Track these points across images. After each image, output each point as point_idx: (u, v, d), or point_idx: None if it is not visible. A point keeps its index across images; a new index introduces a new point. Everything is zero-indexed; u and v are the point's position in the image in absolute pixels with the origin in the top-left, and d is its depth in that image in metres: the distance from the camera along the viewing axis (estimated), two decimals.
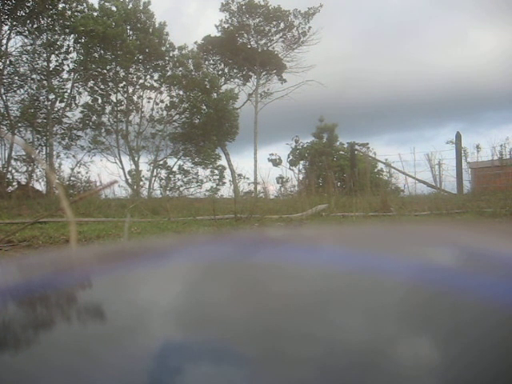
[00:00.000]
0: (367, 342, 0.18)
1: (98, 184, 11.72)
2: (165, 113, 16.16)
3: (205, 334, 0.19)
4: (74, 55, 13.72)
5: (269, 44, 19.72)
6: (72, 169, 13.65)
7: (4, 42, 12.21)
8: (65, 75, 13.62)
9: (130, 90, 15.42)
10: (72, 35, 13.44)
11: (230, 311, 0.21)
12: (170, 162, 16.84)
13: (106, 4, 14.21)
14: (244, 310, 0.21)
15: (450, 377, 0.16)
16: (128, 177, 15.43)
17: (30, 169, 12.00)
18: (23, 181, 11.93)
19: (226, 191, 19.11)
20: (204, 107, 16.28)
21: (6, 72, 12.40)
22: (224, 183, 17.21)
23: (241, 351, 0.17)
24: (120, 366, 0.16)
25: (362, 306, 0.21)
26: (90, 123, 14.82)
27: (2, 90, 12.25)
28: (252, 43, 19.77)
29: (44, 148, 13.03)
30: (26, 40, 12.70)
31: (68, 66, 13.65)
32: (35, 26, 12.59)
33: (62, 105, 13.52)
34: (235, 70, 19.95)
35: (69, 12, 13.03)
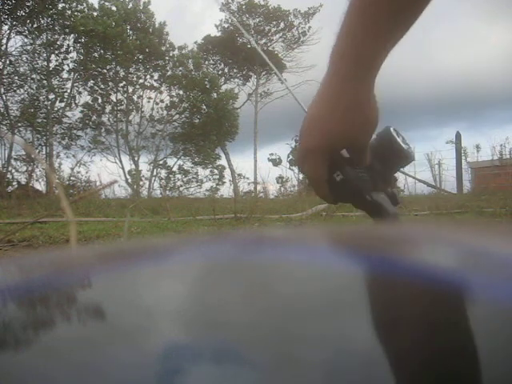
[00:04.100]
0: (375, 345, 0.17)
1: (97, 184, 11.74)
2: (165, 113, 16.16)
3: (207, 335, 0.18)
4: (73, 55, 13.74)
5: (269, 44, 19.72)
6: (72, 169, 13.65)
7: (4, 41, 12.21)
8: (65, 75, 13.63)
9: (130, 89, 15.42)
10: (72, 35, 13.43)
11: (232, 311, 0.21)
12: (170, 161, 16.86)
13: (106, 4, 14.20)
14: (247, 311, 0.21)
15: (452, 377, 0.16)
16: (128, 177, 15.44)
17: (29, 169, 11.98)
18: (23, 181, 11.92)
19: (225, 191, 19.08)
20: (204, 107, 16.27)
21: (5, 72, 12.39)
22: (224, 183, 17.24)
23: (244, 353, 0.17)
24: (120, 368, 0.16)
25: (367, 306, 0.21)
26: (90, 123, 14.81)
27: (2, 90, 12.25)
28: (252, 43, 19.76)
29: (44, 148, 13.02)
30: (25, 40, 12.70)
31: (68, 65, 13.67)
32: (35, 25, 12.58)
33: (62, 105, 13.52)
34: (235, 70, 19.95)
35: (69, 12, 13.01)
